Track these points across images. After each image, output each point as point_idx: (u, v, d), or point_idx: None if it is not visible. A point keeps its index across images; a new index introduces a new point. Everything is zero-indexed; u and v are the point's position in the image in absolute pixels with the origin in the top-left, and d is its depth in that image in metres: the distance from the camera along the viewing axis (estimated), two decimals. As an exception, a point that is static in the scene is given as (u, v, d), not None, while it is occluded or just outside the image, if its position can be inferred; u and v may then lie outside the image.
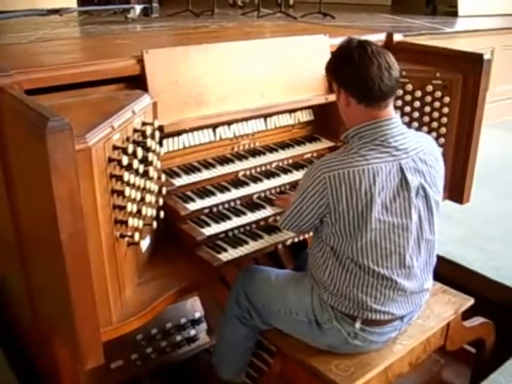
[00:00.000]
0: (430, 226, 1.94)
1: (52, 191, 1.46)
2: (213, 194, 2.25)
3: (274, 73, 2.45)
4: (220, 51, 2.31)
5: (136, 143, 1.86)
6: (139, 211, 1.85)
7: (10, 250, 2.06)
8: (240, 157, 2.44)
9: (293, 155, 2.54)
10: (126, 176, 1.74)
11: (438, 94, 2.56)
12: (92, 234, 1.63)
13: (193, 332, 2.57)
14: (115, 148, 1.72)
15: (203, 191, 2.26)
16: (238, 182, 2.35)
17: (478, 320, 2.44)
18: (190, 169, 2.30)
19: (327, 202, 1.83)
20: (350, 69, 1.86)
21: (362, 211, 1.81)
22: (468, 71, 2.53)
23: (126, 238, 1.80)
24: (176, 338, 2.52)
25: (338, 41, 2.61)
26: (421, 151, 1.90)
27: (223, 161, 2.39)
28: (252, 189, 2.33)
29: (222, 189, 2.29)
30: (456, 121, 2.59)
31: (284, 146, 2.59)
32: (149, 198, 1.93)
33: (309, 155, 2.60)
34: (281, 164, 2.51)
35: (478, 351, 2.57)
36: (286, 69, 2.48)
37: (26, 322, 2.16)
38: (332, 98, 2.56)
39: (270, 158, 2.48)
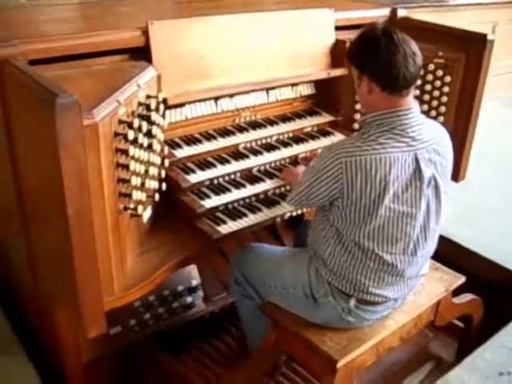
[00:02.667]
0: (436, 215, 1.98)
1: (60, 167, 1.48)
2: (213, 165, 2.28)
3: (278, 46, 2.45)
4: (224, 23, 2.30)
5: (141, 117, 1.87)
6: (143, 184, 1.88)
7: (11, 215, 2.09)
8: (241, 129, 2.46)
9: (293, 129, 2.56)
10: (132, 150, 1.76)
11: (440, 72, 2.56)
12: (97, 207, 1.65)
13: (189, 299, 2.62)
14: (121, 122, 1.74)
15: (204, 163, 2.29)
16: (238, 155, 2.37)
17: (467, 297, 2.51)
18: (191, 140, 2.32)
19: (341, 186, 1.84)
20: (376, 56, 1.82)
21: (374, 199, 1.83)
22: (471, 51, 2.53)
23: (129, 211, 1.84)
24: (173, 305, 2.57)
25: (343, 15, 2.65)
26: (435, 142, 1.91)
27: (224, 133, 2.41)
28: (252, 161, 2.36)
29: (223, 161, 2.31)
30: (456, 100, 2.60)
31: (285, 119, 2.61)
32: (152, 170, 1.95)
33: (309, 129, 2.62)
34: (281, 137, 2.52)
35: (466, 326, 2.65)
36: (289, 42, 2.48)
37: (27, 285, 2.20)
38: (335, 73, 2.60)
39: (270, 131, 2.50)
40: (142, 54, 2.12)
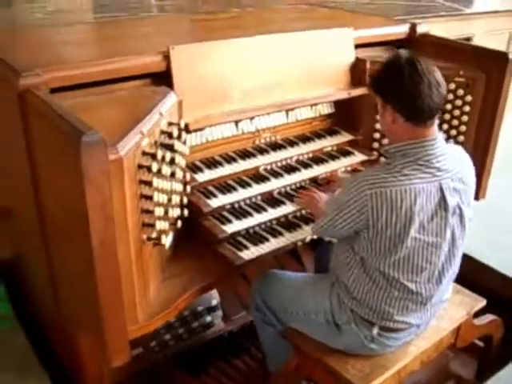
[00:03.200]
0: (460, 242, 1.97)
1: (85, 200, 1.48)
2: (234, 189, 2.27)
3: (298, 67, 2.44)
4: (244, 45, 2.30)
5: (164, 146, 1.87)
6: (166, 213, 1.88)
7: (33, 239, 2.09)
8: (261, 150, 2.45)
9: (313, 149, 2.55)
10: (155, 182, 1.76)
11: (461, 92, 2.54)
12: (121, 238, 1.66)
13: (209, 318, 2.63)
14: (144, 154, 1.74)
15: (225, 186, 2.28)
16: (259, 177, 2.36)
17: (487, 318, 2.49)
18: (212, 163, 2.32)
19: (366, 218, 1.83)
20: (400, 86, 1.81)
21: (399, 230, 1.82)
22: (492, 71, 2.50)
23: (153, 241, 1.84)
24: (193, 325, 2.58)
25: (362, 33, 2.63)
26: (459, 170, 1.90)
27: (245, 154, 2.41)
28: (273, 184, 2.35)
29: (244, 184, 2.31)
30: (476, 119, 2.58)
31: (304, 139, 2.59)
32: (175, 199, 1.96)
33: (329, 148, 2.61)
34: (301, 158, 2.51)
35: (486, 345, 2.63)
36: (309, 63, 2.47)
37: (48, 308, 2.22)
38: (355, 92, 2.58)
39: (290, 152, 2.49)
40: (162, 78, 2.12)
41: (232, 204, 2.23)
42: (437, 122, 1.88)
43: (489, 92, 2.54)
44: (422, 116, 1.81)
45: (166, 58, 2.11)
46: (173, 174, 1.91)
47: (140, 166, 1.72)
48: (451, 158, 1.89)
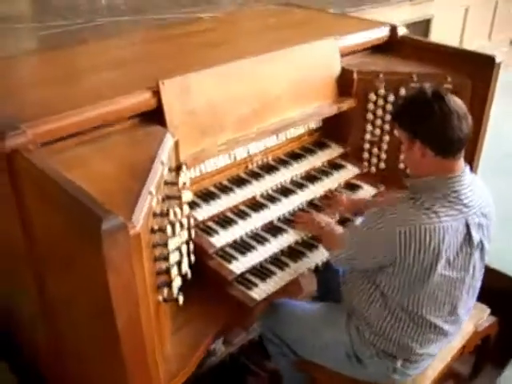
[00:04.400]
0: (480, 274, 1.96)
1: (107, 287, 1.38)
2: (235, 222, 2.19)
3: (287, 85, 2.35)
4: (233, 71, 2.18)
5: (170, 198, 1.76)
6: (180, 268, 1.79)
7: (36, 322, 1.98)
8: (255, 175, 2.37)
9: (306, 169, 2.48)
10: (171, 242, 1.66)
11: (449, 98, 2.50)
12: (142, 308, 1.56)
13: (212, 346, 2.56)
14: (155, 215, 1.63)
15: (225, 220, 2.20)
16: (257, 205, 2.29)
17: (487, 321, 2.52)
18: (208, 195, 2.22)
19: (394, 254, 1.79)
20: (430, 121, 1.75)
21: (426, 267, 1.79)
22: (477, 76, 2.47)
23: (169, 301, 1.75)
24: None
25: (346, 41, 2.54)
26: (483, 205, 1.86)
27: (239, 182, 2.32)
28: (272, 212, 2.27)
29: (243, 215, 2.23)
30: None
31: (295, 156, 2.53)
32: (184, 248, 1.85)
33: (320, 164, 2.54)
34: (295, 178, 2.44)
35: (483, 343, 2.67)
36: (298, 79, 2.38)
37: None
38: (344, 106, 2.50)
39: (284, 174, 2.42)
40: (152, 115, 1.98)
41: (235, 240, 2.15)
42: (463, 152, 1.83)
43: (474, 98, 2.49)
44: (452, 149, 1.77)
45: (156, 93, 1.97)
46: (181, 225, 1.81)
47: (153, 231, 1.61)
48: (476, 190, 1.85)
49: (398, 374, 1.99)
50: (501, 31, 6.56)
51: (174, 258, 1.71)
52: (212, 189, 2.27)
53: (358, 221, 2.29)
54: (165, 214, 1.66)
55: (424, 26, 5.15)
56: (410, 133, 1.82)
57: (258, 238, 2.21)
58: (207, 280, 2.09)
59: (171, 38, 2.60)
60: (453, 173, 1.80)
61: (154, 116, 1.98)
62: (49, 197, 1.54)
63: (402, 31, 2.75)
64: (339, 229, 2.18)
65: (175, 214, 1.71)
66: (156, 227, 1.62)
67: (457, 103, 1.77)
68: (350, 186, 2.56)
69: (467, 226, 1.81)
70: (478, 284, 2.00)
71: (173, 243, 1.69)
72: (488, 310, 2.39)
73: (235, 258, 2.10)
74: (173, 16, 4.06)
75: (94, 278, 1.41)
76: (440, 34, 5.18)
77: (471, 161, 2.57)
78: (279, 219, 2.30)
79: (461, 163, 1.83)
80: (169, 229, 1.63)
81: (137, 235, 1.46)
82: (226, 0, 5.14)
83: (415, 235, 1.74)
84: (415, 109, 1.81)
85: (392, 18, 4.55)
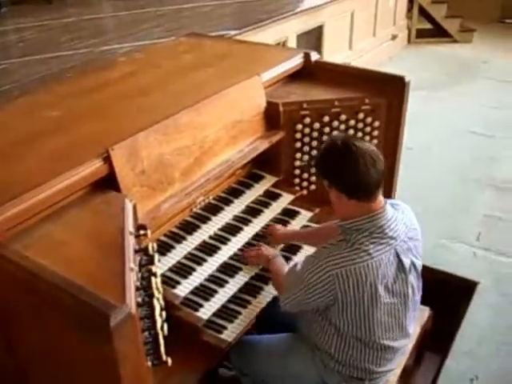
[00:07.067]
0: (418, 290, 2.14)
1: (119, 377, 1.43)
2: (193, 269, 2.26)
3: (221, 129, 2.44)
4: (171, 124, 2.24)
5: (143, 266, 1.81)
6: (162, 330, 1.84)
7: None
8: (201, 218, 2.46)
9: (246, 203, 2.60)
10: (157, 310, 1.71)
11: (369, 120, 2.71)
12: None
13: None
14: (137, 289, 1.68)
15: (183, 268, 2.26)
16: (207, 247, 2.37)
17: (425, 315, 2.77)
18: (162, 247, 2.27)
19: (335, 296, 1.94)
20: (342, 170, 1.92)
21: (367, 300, 1.94)
22: (391, 95, 2.70)
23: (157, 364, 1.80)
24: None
25: (268, 75, 2.67)
26: (408, 230, 2.04)
27: (188, 227, 2.39)
28: (224, 252, 2.37)
29: (199, 260, 2.30)
30: (383, 141, 2.78)
31: (234, 192, 2.64)
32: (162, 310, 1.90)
33: (258, 196, 2.68)
34: (238, 214, 2.55)
35: (422, 335, 2.94)
36: (230, 121, 2.48)
37: None
38: (275, 138, 2.64)
39: (227, 212, 2.52)
40: (104, 181, 2.01)
41: (196, 287, 2.23)
42: (381, 192, 1.98)
43: (390, 114, 2.73)
44: (363, 194, 1.93)
45: (107, 159, 1.99)
46: (157, 288, 1.86)
47: (139, 305, 1.66)
48: (398, 221, 2.01)
49: (367, 391, 2.17)
50: (383, 28, 7.12)
51: (159, 323, 1.76)
52: (163, 238, 2.32)
53: (300, 258, 2.41)
54: (146, 286, 1.71)
55: (317, 32, 5.48)
56: (326, 181, 2.00)
57: (217, 280, 2.30)
58: (178, 331, 2.15)
59: (96, 89, 2.57)
60: (374, 211, 1.96)
61: (106, 182, 2.01)
62: (36, 294, 1.54)
63: (314, 57, 2.91)
64: (284, 265, 2.30)
65: (156, 284, 1.76)
66: (140, 300, 1.67)
67: (367, 148, 1.93)
68: (289, 213, 2.71)
69: (397, 255, 1.98)
70: (419, 297, 2.19)
71: (157, 309, 1.75)
72: (428, 309, 2.64)
73: (200, 305, 2.18)
74: (74, 52, 3.94)
75: (98, 372, 1.44)
76: (332, 38, 5.56)
77: (391, 174, 2.81)
78: (232, 258, 2.41)
79: (379, 200, 1.98)
80: (156, 302, 1.68)
81: (133, 317, 1.51)
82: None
83: (351, 275, 1.90)
84: (327, 159, 2.00)
85: (290, 30, 4.82)
